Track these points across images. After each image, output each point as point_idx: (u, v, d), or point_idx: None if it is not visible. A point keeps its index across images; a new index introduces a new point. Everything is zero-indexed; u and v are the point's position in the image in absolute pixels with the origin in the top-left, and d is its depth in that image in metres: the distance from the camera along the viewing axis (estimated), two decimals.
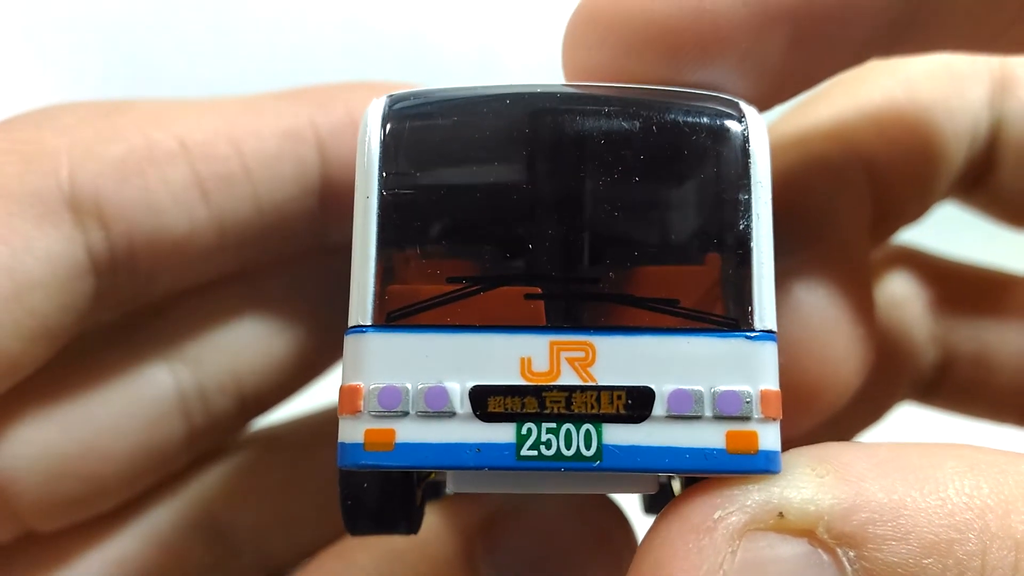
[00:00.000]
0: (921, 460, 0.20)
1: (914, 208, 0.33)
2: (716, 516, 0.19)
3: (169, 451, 0.31)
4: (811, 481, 0.19)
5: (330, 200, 0.30)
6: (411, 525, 0.25)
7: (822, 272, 0.29)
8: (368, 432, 0.20)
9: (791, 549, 0.19)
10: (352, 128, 0.29)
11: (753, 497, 0.19)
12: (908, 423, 0.37)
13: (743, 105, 0.22)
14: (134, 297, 0.30)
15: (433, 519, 0.28)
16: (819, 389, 0.29)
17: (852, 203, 0.30)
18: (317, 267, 0.33)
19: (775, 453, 0.20)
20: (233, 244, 0.29)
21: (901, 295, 0.36)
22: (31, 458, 0.29)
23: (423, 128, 0.22)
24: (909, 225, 0.34)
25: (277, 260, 0.32)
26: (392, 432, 0.20)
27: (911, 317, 0.36)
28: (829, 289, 0.29)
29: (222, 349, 0.32)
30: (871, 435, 0.37)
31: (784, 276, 0.28)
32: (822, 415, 0.29)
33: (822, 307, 0.29)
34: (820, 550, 0.19)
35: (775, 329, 0.20)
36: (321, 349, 0.33)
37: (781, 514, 0.19)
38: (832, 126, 0.31)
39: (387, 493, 0.24)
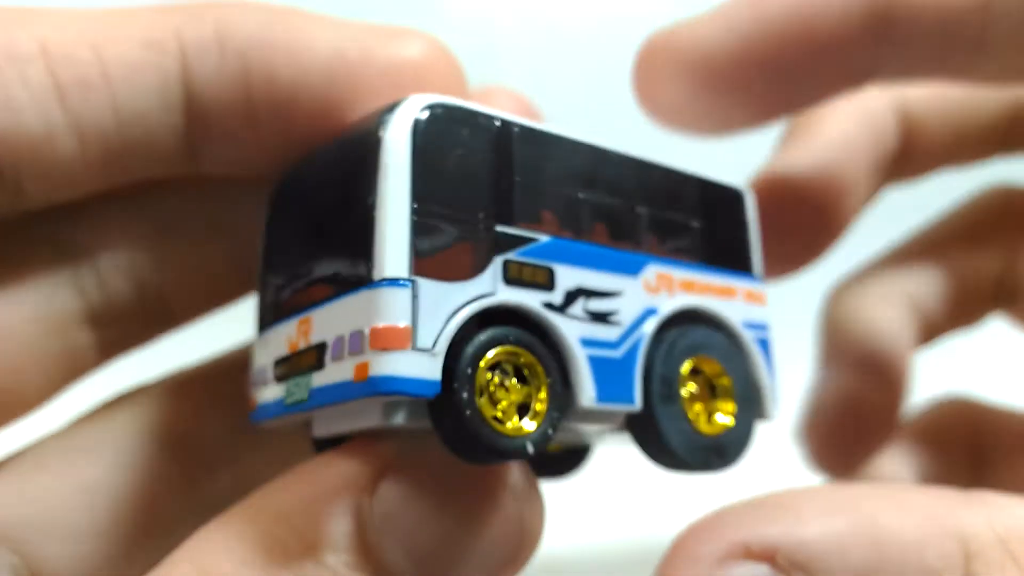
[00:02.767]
0: (848, 502, 0.28)
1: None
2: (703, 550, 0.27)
3: (71, 330, 0.32)
4: (773, 522, 0.27)
5: (197, 120, 0.30)
6: None
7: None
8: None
9: (757, 570, 0.27)
10: (220, 45, 0.29)
11: (727, 537, 0.27)
12: None
13: None
14: (5, 205, 0.30)
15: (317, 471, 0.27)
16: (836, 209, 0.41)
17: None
18: (197, 194, 0.34)
19: (383, 377, 0.24)
20: (96, 156, 0.30)
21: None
22: None
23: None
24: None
25: (152, 183, 0.32)
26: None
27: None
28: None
29: (114, 238, 0.33)
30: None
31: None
32: (840, 228, 0.42)
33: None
34: (779, 573, 0.27)
35: (392, 275, 0.24)
36: (220, 274, 0.34)
37: (748, 547, 0.27)
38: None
39: None
